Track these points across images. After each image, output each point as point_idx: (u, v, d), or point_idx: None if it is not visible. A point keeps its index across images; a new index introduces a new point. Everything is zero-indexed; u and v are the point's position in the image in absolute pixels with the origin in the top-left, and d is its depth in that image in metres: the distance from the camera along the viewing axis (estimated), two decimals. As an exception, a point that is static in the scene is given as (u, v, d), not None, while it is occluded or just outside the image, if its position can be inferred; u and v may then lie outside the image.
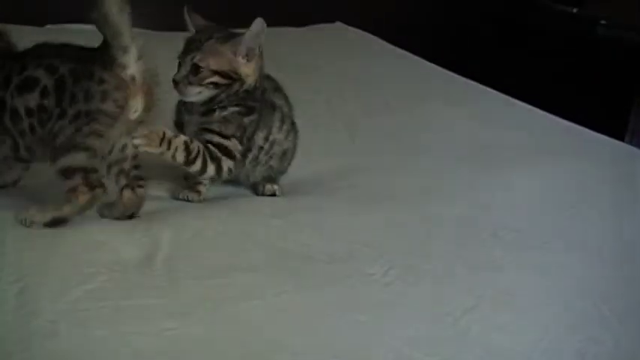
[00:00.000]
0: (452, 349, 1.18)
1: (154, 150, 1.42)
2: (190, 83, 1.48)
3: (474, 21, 3.48)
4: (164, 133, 1.43)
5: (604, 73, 3.09)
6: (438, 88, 2.54)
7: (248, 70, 1.51)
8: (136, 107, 1.37)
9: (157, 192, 1.55)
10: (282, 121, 1.63)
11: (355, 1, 3.23)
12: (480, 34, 3.48)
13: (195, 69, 1.47)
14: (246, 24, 1.52)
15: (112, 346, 1.07)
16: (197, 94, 1.49)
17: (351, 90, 2.40)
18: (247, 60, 1.50)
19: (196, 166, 1.48)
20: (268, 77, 1.63)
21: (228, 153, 1.51)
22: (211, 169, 1.50)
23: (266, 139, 1.60)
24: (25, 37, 2.25)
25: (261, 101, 1.56)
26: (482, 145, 2.08)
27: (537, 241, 1.55)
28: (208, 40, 1.49)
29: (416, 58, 2.81)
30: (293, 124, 1.68)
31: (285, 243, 1.41)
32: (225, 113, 1.52)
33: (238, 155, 1.53)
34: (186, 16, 1.54)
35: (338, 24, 3.09)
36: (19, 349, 1.03)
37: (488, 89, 2.57)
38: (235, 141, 1.52)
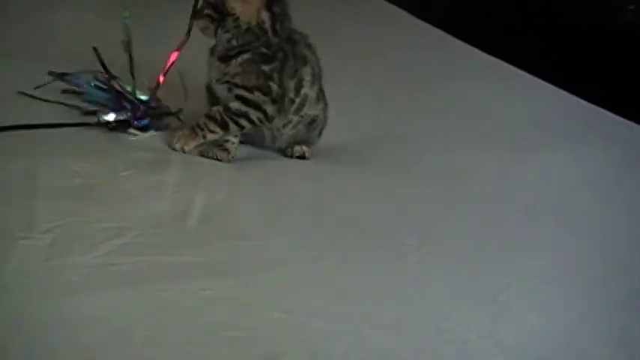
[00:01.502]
0: (492, 326, 1.14)
1: (196, 141, 1.47)
2: (196, 16, 1.50)
3: (499, 3, 3.43)
4: (190, 126, 1.48)
5: (630, 59, 3.05)
6: (466, 66, 2.49)
7: (235, 5, 1.47)
8: None
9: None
10: (314, 79, 1.57)
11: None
12: (504, 17, 3.43)
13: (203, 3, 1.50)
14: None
15: (144, 302, 1.04)
16: (205, 28, 1.50)
17: (378, 62, 2.34)
18: None
19: (233, 128, 1.48)
20: (300, 33, 1.58)
21: (254, 106, 1.49)
22: (244, 122, 1.48)
23: (297, 90, 1.53)
24: None
25: (281, 50, 1.51)
26: (511, 125, 2.05)
27: (571, 222, 1.52)
28: None
29: (443, 33, 2.76)
30: (322, 91, 1.62)
31: (318, 207, 1.39)
32: (239, 60, 1.49)
33: (268, 107, 1.49)
34: None
35: (366, -4, 3.03)
36: (50, 304, 1.00)
37: (515, 69, 2.53)
38: (258, 93, 1.48)
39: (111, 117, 1.49)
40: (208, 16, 1.49)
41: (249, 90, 1.48)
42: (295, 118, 1.55)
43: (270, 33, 1.50)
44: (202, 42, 1.54)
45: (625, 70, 3.01)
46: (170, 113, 1.54)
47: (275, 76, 1.50)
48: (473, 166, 1.73)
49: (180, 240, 1.19)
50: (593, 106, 2.32)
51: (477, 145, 1.86)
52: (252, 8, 1.48)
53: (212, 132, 1.47)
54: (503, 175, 1.71)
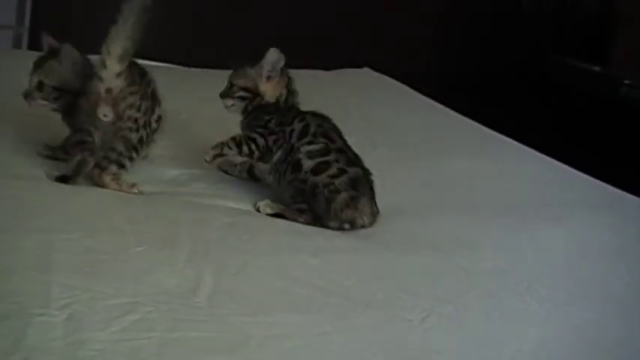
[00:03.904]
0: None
1: (215, 151, 1.77)
2: (226, 96, 1.83)
3: (499, 76, 3.51)
4: (220, 143, 1.78)
5: (626, 132, 3.11)
6: (466, 140, 2.55)
7: (266, 88, 1.80)
8: (104, 113, 1.63)
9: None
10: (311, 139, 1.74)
11: (383, 48, 3.27)
12: (504, 89, 3.51)
13: (231, 86, 1.82)
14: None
15: (160, 378, 1.07)
16: (231, 105, 1.83)
17: (380, 135, 2.40)
18: (268, 80, 1.80)
19: (244, 149, 1.78)
20: (321, 116, 1.81)
21: (260, 134, 1.79)
22: (253, 146, 1.78)
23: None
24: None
25: (283, 110, 1.80)
26: (510, 198, 2.09)
27: (572, 297, 1.56)
28: (242, 66, 1.83)
29: (442, 107, 2.83)
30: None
31: (325, 283, 1.42)
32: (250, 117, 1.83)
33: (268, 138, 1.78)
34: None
35: (366, 69, 3.11)
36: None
37: (514, 142, 2.59)
38: (261, 129, 1.78)
39: None
40: (240, 97, 1.80)
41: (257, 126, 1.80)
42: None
43: (281, 104, 1.82)
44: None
45: (621, 141, 3.07)
46: None
47: (270, 125, 1.79)
48: (472, 239, 1.76)
49: (192, 316, 1.22)
50: (589, 178, 2.37)
51: (476, 217, 1.90)
52: (278, 90, 1.81)
53: (229, 147, 1.76)
54: (503, 248, 1.75)
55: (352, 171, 1.71)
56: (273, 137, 1.77)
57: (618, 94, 3.18)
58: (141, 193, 1.66)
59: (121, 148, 1.66)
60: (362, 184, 1.72)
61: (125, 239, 1.41)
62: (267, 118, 1.80)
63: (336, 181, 1.68)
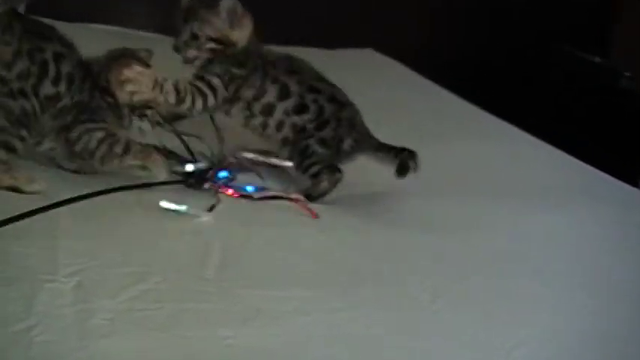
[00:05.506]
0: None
1: (148, 96, 1.53)
2: (188, 47, 1.62)
3: (499, 63, 3.50)
4: (156, 78, 1.54)
5: (623, 124, 3.11)
6: (468, 122, 2.54)
7: (238, 36, 1.63)
8: None
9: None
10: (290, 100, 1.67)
11: (389, 30, 3.24)
12: (503, 76, 3.49)
13: (194, 36, 1.61)
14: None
15: (171, 349, 1.06)
16: (195, 57, 1.62)
17: (382, 116, 2.37)
18: (230, 26, 1.62)
19: (186, 104, 1.57)
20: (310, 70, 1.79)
21: (211, 88, 1.60)
22: (199, 103, 1.59)
23: (256, 99, 1.64)
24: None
25: (254, 64, 1.65)
26: (513, 182, 2.08)
27: (578, 283, 1.54)
28: (200, 9, 1.61)
29: (445, 91, 2.81)
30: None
31: (333, 259, 1.41)
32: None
33: (222, 92, 1.60)
34: None
35: (369, 50, 3.09)
36: (78, 346, 1.02)
37: (514, 127, 2.58)
38: (218, 80, 1.60)
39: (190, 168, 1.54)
40: (210, 49, 1.61)
41: (212, 75, 1.61)
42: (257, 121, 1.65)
43: (254, 52, 1.67)
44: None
45: (621, 131, 3.07)
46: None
47: (236, 79, 1.62)
48: (479, 222, 1.75)
49: (200, 287, 1.21)
50: (591, 169, 2.36)
51: (481, 200, 1.88)
52: (246, 35, 1.65)
53: (167, 101, 1.55)
54: (509, 232, 1.73)
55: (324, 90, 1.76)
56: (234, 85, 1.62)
57: (618, 86, 3.18)
58: (39, 192, 1.36)
59: (2, 122, 1.32)
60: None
61: (132, 209, 1.40)
62: (234, 72, 1.63)
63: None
